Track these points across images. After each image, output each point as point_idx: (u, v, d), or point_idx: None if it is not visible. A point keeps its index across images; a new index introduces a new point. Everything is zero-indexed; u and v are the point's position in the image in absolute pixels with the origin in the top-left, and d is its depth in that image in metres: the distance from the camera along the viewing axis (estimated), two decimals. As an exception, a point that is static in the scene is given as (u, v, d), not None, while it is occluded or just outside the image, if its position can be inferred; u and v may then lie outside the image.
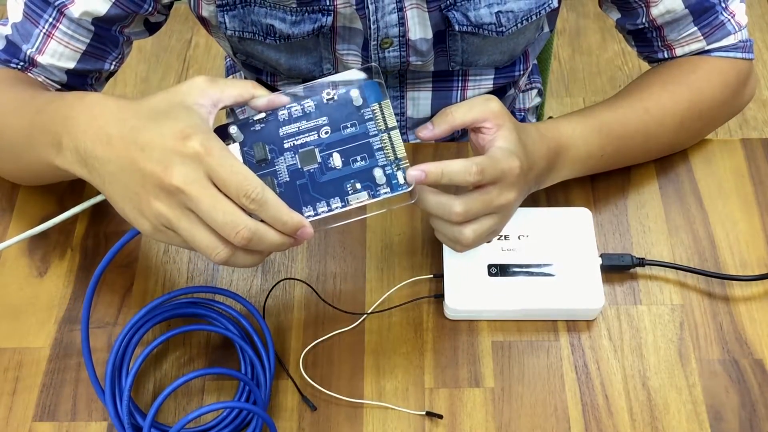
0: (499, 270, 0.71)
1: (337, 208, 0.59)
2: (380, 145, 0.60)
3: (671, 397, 0.68)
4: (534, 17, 0.81)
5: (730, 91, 0.82)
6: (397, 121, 0.92)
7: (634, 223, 0.78)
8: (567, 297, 0.70)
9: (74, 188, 0.80)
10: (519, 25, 0.81)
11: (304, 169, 0.60)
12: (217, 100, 0.59)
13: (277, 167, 0.60)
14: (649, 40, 0.84)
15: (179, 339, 0.71)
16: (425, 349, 0.71)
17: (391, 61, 0.83)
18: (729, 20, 0.80)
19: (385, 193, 0.59)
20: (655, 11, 0.79)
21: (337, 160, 0.60)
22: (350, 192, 0.59)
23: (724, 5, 0.80)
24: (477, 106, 0.64)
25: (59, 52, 0.76)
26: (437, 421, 0.67)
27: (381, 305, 0.72)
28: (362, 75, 0.63)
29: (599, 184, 0.80)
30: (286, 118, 0.61)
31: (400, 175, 0.59)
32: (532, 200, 0.79)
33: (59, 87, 0.79)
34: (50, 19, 0.75)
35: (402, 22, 0.79)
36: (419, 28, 0.80)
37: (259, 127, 0.61)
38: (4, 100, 0.72)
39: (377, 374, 0.69)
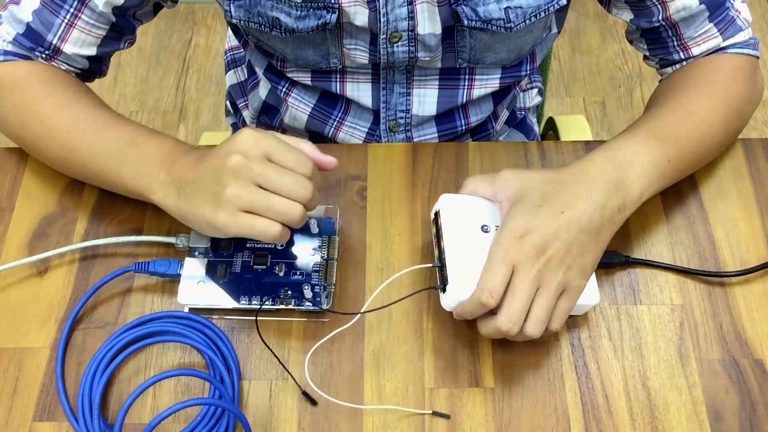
0: None
1: (267, 304, 0.71)
2: (318, 269, 0.73)
3: (671, 397, 0.68)
4: (542, 14, 0.81)
5: (752, 87, 0.83)
6: (402, 118, 0.92)
7: (634, 223, 0.78)
8: None
9: (74, 189, 0.80)
10: (527, 21, 0.81)
11: (254, 267, 0.73)
12: None
13: (234, 259, 0.74)
14: (663, 41, 0.84)
15: (151, 359, 0.71)
16: (425, 349, 0.71)
17: (399, 56, 0.83)
18: (737, 16, 0.81)
19: (307, 306, 0.71)
20: (671, 7, 0.80)
21: (281, 270, 0.73)
22: (281, 296, 0.72)
23: (731, 2, 0.81)
24: (487, 178, 0.70)
25: (81, 39, 0.80)
26: (437, 421, 0.67)
27: (380, 296, 0.71)
28: (322, 210, 0.77)
29: (599, 184, 0.80)
30: None
31: (323, 296, 0.72)
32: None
33: (79, 72, 0.84)
34: (72, 10, 0.78)
35: (412, 16, 0.79)
36: (429, 22, 0.80)
37: None
38: (83, 115, 0.76)
39: (377, 374, 0.69)
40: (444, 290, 0.68)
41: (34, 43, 0.79)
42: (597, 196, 0.67)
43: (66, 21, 0.78)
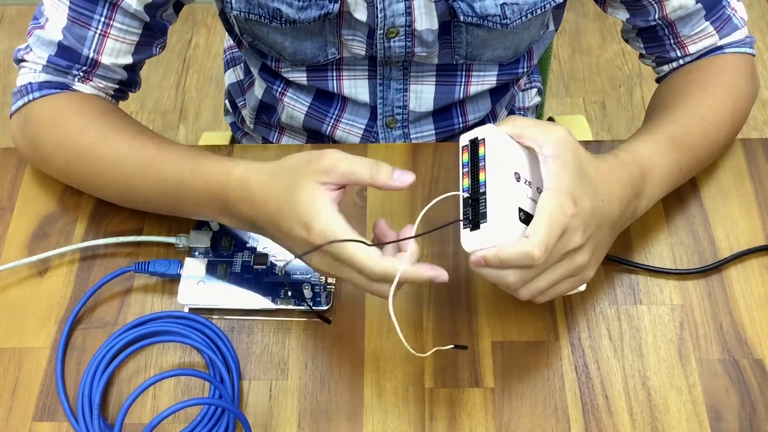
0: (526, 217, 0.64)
1: (267, 304, 0.71)
2: None
3: (671, 397, 0.68)
4: (539, 11, 0.82)
5: (752, 85, 0.84)
6: (399, 114, 0.92)
7: (634, 222, 0.78)
8: None
9: (74, 189, 0.80)
10: (524, 18, 0.81)
11: (254, 267, 0.74)
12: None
13: (234, 259, 0.74)
14: (660, 39, 0.84)
15: (151, 359, 0.71)
16: (425, 349, 0.71)
17: (396, 51, 0.84)
18: (733, 15, 0.82)
19: (306, 306, 0.71)
20: (668, 6, 0.80)
21: (281, 270, 0.73)
22: (281, 296, 0.72)
23: (727, 1, 0.82)
24: (542, 126, 0.64)
25: (117, 49, 0.78)
26: (437, 421, 0.67)
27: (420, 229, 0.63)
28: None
29: (599, 184, 0.80)
30: None
31: (323, 296, 0.72)
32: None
33: (118, 86, 0.81)
34: (102, 18, 0.76)
35: (409, 12, 0.80)
36: (425, 18, 0.81)
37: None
38: (125, 151, 0.73)
39: (377, 374, 0.69)
40: (474, 227, 0.61)
41: (69, 60, 0.77)
42: (625, 198, 0.68)
43: (99, 31, 0.76)
